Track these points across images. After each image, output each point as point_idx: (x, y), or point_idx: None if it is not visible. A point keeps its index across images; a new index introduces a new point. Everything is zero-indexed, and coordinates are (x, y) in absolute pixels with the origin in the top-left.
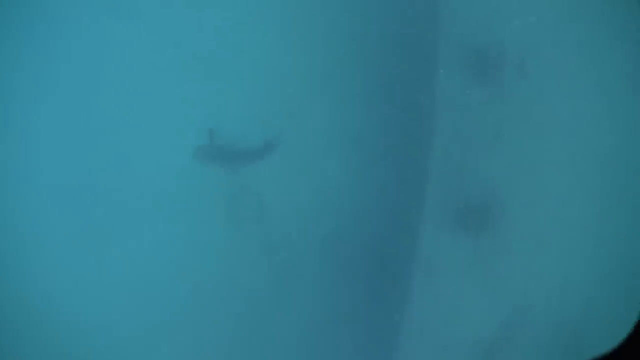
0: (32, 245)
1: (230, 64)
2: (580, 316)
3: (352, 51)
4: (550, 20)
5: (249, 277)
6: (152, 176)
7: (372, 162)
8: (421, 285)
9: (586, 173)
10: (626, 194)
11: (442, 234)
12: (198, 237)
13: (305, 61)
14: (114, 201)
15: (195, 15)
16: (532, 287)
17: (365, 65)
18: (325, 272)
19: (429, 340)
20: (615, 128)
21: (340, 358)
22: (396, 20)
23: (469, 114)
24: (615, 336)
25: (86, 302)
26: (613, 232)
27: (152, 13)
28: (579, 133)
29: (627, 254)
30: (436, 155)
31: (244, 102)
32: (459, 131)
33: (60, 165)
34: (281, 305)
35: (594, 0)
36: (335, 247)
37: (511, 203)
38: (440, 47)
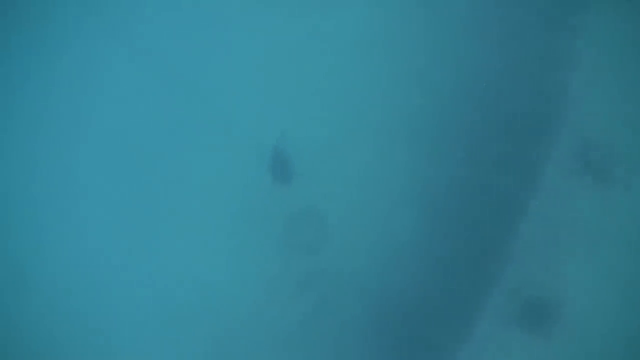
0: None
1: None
2: None
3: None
4: None
5: (288, 302)
6: (219, 184)
7: (447, 233)
8: None
9: None
10: None
11: (499, 324)
12: (250, 249)
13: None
14: (179, 200)
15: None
16: None
17: (473, 137)
18: (361, 325)
19: None
20: None
21: None
22: (521, 104)
23: (565, 206)
24: None
25: (136, 293)
26: None
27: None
28: None
29: None
30: (517, 241)
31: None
32: (549, 221)
33: (138, 174)
34: (307, 340)
35: None
36: (380, 304)
37: (577, 304)
38: (555, 136)
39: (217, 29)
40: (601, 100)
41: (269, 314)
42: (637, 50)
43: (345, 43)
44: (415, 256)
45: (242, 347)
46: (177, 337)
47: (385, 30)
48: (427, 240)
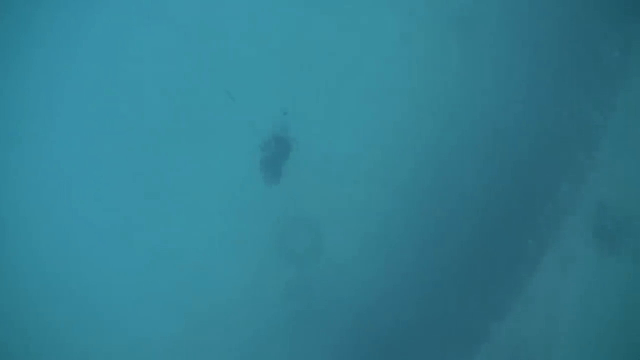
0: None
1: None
2: None
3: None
4: None
5: (270, 311)
6: (216, 185)
7: (446, 269)
8: None
9: None
10: None
11: None
12: (243, 249)
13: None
14: (177, 198)
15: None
16: None
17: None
18: (341, 341)
19: None
20: None
21: None
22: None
23: (572, 269)
24: None
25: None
26: None
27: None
28: None
29: None
30: (518, 296)
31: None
32: (553, 281)
33: (140, 171)
34: (285, 344)
35: None
36: (362, 324)
37: None
38: (572, 197)
39: (247, 19)
40: (624, 166)
41: (251, 314)
42: None
43: (371, 57)
44: (407, 286)
45: (219, 340)
46: (163, 323)
47: (416, 50)
48: (422, 271)
